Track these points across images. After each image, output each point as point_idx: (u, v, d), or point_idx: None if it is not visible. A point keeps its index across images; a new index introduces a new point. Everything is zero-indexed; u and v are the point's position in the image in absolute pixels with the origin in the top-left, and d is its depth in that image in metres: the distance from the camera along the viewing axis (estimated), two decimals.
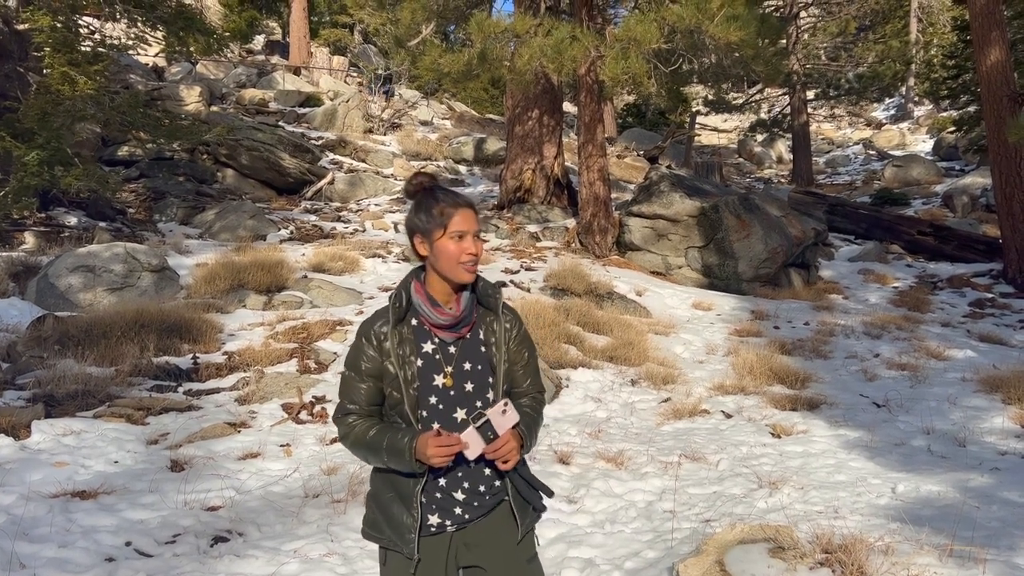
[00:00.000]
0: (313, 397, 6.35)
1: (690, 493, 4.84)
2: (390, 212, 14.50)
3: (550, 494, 2.20)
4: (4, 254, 9.28)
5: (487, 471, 2.12)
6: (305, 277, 9.33)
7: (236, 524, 4.27)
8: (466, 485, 2.11)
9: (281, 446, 5.44)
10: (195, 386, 6.51)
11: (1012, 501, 4.47)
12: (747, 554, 3.37)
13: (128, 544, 3.94)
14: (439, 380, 2.10)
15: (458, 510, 2.12)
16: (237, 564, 3.84)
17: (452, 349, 2.13)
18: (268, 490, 4.75)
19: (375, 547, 4.03)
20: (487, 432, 1.99)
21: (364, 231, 13.03)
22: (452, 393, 2.10)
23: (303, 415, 6.04)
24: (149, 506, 4.36)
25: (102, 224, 11.34)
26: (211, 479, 4.79)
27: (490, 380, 2.14)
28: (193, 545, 3.99)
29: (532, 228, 13.20)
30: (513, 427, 2.03)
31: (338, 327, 7.89)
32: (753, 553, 3.37)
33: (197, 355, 7.07)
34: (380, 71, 24.15)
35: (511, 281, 10.04)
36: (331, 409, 6.14)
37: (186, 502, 4.42)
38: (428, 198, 2.10)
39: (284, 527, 4.30)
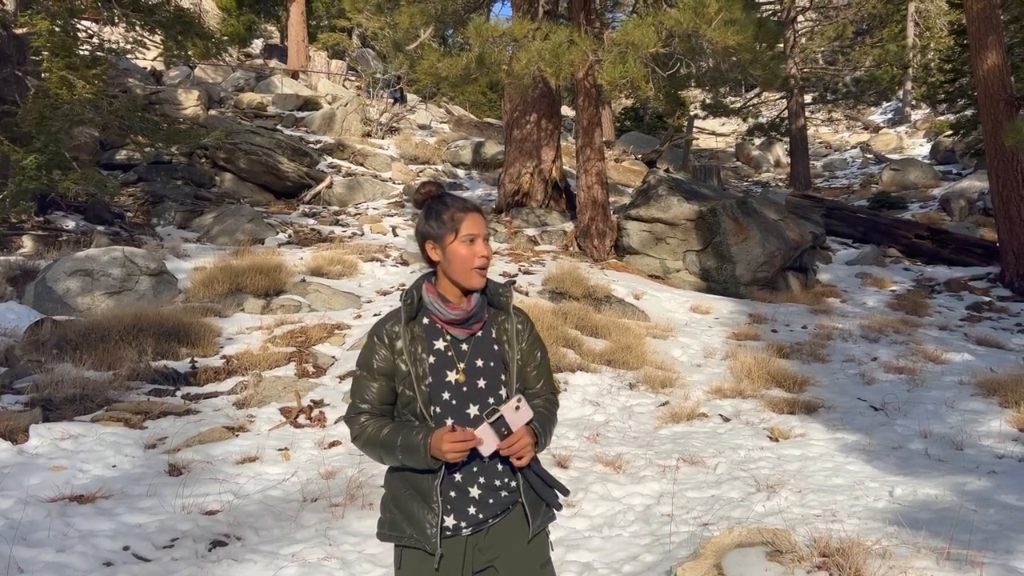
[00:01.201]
0: (311, 401, 6.34)
1: (688, 497, 4.85)
2: (388, 216, 14.51)
3: (566, 492, 2.20)
4: (2, 258, 9.28)
5: (501, 467, 2.13)
6: (303, 281, 9.33)
7: (234, 528, 4.26)
8: (482, 480, 2.12)
9: (279, 450, 5.44)
10: (193, 390, 6.51)
11: (1009, 504, 4.48)
12: (745, 558, 3.37)
13: (126, 548, 3.94)
14: (452, 376, 2.12)
15: (472, 509, 2.12)
16: (235, 568, 3.84)
17: (464, 346, 2.16)
18: (266, 494, 4.75)
19: (374, 551, 4.06)
20: (501, 428, 2.01)
21: (362, 235, 13.03)
22: (465, 389, 2.12)
23: (301, 419, 6.04)
24: (147, 510, 4.36)
25: (100, 228, 11.34)
26: (209, 483, 4.79)
27: (502, 377, 2.16)
28: (191, 549, 3.99)
29: (530, 232, 13.22)
30: (527, 424, 2.04)
31: (336, 331, 7.90)
32: (751, 557, 3.37)
33: (195, 359, 7.07)
34: (389, 75, 24.10)
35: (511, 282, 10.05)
36: (329, 413, 6.15)
37: (184, 506, 4.42)
38: (438, 204, 2.15)
39: (282, 531, 4.30)
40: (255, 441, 5.54)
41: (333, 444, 5.56)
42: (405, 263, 10.96)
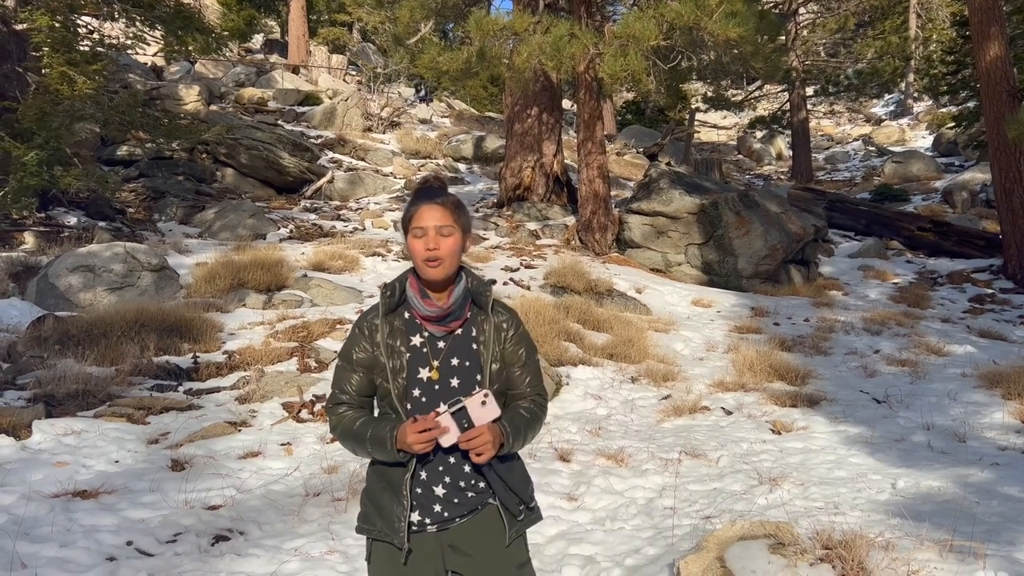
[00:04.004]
0: (313, 396, 6.35)
1: (690, 490, 4.85)
2: (390, 210, 14.49)
3: (528, 502, 2.18)
4: (4, 254, 9.28)
5: (468, 468, 2.11)
6: (305, 276, 9.33)
7: (237, 523, 4.27)
8: (447, 480, 2.11)
9: (282, 445, 5.44)
10: (195, 385, 6.51)
11: (1012, 496, 4.48)
12: (747, 550, 3.37)
13: (129, 543, 3.95)
14: (424, 373, 2.11)
15: (438, 507, 2.12)
16: (238, 563, 3.85)
17: (441, 344, 2.13)
18: (269, 489, 4.76)
19: None
20: (462, 420, 1.99)
21: (364, 230, 13.03)
22: (437, 387, 2.10)
23: (304, 414, 6.05)
24: (150, 505, 4.37)
25: (102, 224, 11.33)
26: (212, 478, 4.79)
27: (478, 377, 2.13)
28: (194, 544, 4.00)
29: (532, 226, 13.20)
30: (494, 421, 2.02)
31: (338, 326, 7.90)
32: (753, 549, 3.37)
33: (197, 354, 7.07)
34: (405, 73, 24.08)
35: (511, 279, 10.04)
36: None
37: (187, 501, 4.42)
38: (411, 198, 2.15)
39: (285, 526, 4.30)
40: (257, 436, 5.55)
41: (335, 439, 5.56)
42: (406, 257, 10.92)
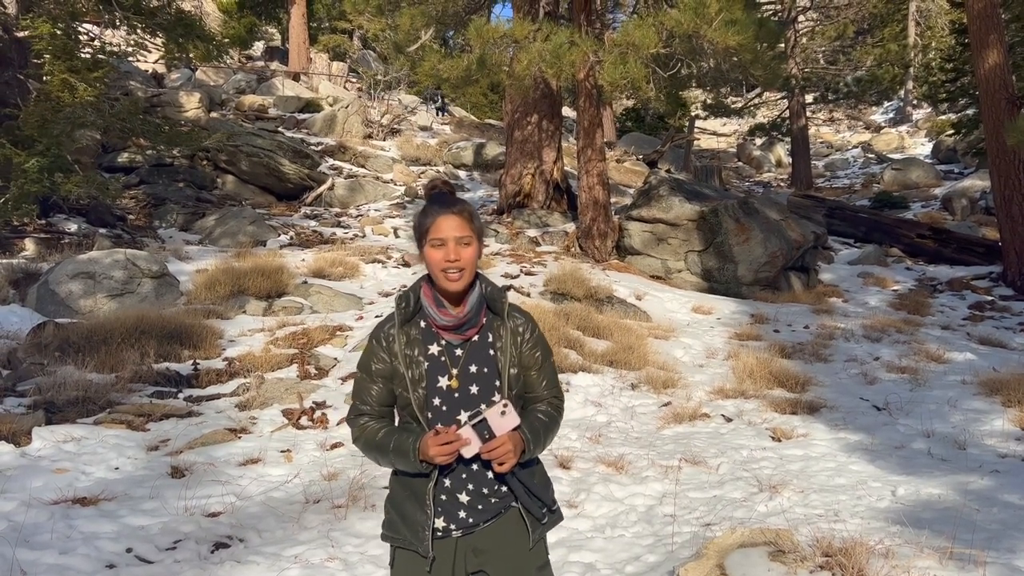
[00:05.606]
0: (313, 402, 6.35)
1: (690, 497, 4.84)
2: (390, 217, 14.52)
3: (550, 505, 2.19)
4: (4, 261, 9.29)
5: (490, 475, 2.12)
6: (305, 283, 9.34)
7: (237, 530, 4.27)
8: (471, 487, 2.12)
9: (282, 452, 5.44)
10: (195, 392, 6.51)
11: (1012, 503, 4.48)
12: (747, 558, 3.37)
13: (129, 550, 3.94)
14: (443, 382, 2.11)
15: (463, 513, 2.13)
16: (238, 570, 3.85)
17: (459, 352, 2.14)
18: (269, 496, 4.75)
19: (376, 552, 4.06)
20: (483, 432, 2.00)
21: (364, 236, 13.04)
22: (457, 395, 2.11)
23: (304, 420, 6.04)
24: (150, 512, 4.36)
25: (102, 230, 11.35)
26: (212, 485, 4.79)
27: (496, 383, 2.13)
28: (194, 551, 4.00)
29: (532, 233, 13.22)
30: (514, 429, 2.03)
31: (338, 332, 7.90)
32: (753, 557, 3.37)
33: (197, 361, 7.07)
34: (430, 90, 24.26)
35: (511, 286, 10.05)
36: (331, 414, 6.15)
37: (187, 508, 4.42)
38: (425, 206, 2.15)
39: (285, 533, 4.30)
40: (257, 443, 5.55)
41: (335, 446, 5.57)
42: (407, 264, 10.97)
